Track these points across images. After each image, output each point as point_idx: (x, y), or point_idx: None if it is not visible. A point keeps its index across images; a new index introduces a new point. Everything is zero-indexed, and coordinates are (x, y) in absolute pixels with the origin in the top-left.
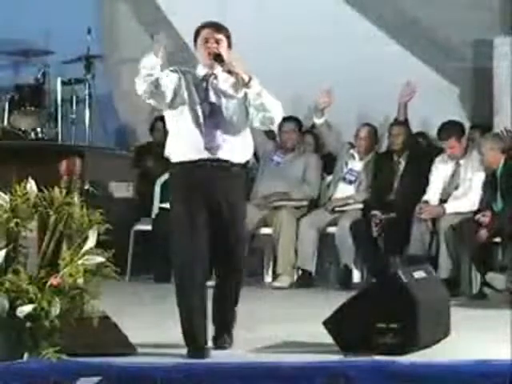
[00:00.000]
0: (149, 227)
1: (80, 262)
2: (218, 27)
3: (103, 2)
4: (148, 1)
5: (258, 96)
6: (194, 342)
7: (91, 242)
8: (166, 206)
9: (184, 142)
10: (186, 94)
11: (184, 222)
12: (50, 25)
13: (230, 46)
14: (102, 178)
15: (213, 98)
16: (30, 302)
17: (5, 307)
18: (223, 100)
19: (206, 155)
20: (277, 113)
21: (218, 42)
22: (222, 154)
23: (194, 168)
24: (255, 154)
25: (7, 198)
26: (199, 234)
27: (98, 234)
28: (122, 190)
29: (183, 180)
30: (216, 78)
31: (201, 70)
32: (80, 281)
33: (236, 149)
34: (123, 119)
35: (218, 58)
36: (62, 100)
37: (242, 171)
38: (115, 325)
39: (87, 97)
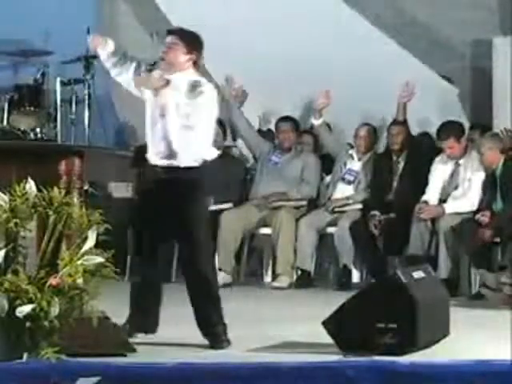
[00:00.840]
0: None
1: (79, 262)
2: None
3: (103, 1)
4: (148, 0)
5: None
6: None
7: (90, 242)
8: None
9: None
10: None
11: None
12: (49, 25)
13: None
14: (102, 178)
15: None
16: (30, 302)
17: (4, 307)
18: None
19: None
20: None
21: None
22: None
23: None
24: (253, 155)
25: (6, 198)
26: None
27: (98, 234)
28: (121, 190)
29: None
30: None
31: None
32: (79, 281)
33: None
34: (123, 119)
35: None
36: (62, 100)
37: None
38: (115, 325)
39: (87, 97)
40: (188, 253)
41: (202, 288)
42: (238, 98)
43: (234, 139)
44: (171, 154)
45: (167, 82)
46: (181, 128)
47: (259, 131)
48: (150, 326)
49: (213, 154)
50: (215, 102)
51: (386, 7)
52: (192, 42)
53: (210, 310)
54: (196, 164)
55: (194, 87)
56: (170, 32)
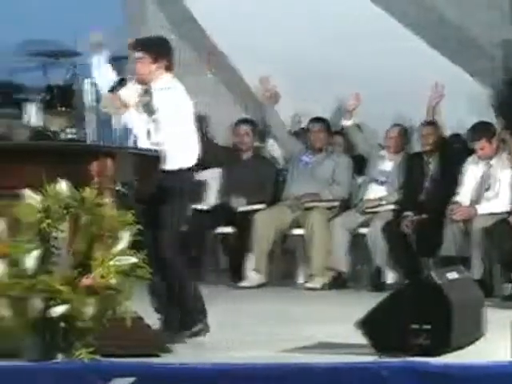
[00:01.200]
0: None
1: (111, 262)
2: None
3: (132, 2)
4: (176, 0)
5: None
6: None
7: (123, 242)
8: (198, 206)
9: None
10: None
11: None
12: (79, 25)
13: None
14: (133, 179)
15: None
16: (64, 302)
17: (39, 308)
18: None
19: None
20: None
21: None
22: None
23: None
24: (285, 156)
25: (39, 198)
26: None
27: (131, 235)
28: None
29: None
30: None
31: None
32: (113, 281)
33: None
34: None
35: None
36: (92, 101)
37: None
38: (148, 325)
39: None
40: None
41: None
42: (272, 98)
43: (263, 140)
44: None
45: (125, 106)
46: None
47: (291, 132)
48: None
49: (189, 162)
50: (183, 107)
51: (412, 5)
52: (157, 49)
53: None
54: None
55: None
56: (134, 46)
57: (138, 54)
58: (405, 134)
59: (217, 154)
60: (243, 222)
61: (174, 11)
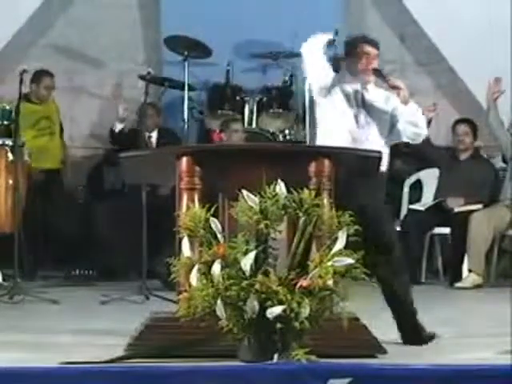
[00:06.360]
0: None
1: (329, 263)
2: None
3: (351, 2)
4: (396, 2)
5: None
6: None
7: (340, 243)
8: (415, 207)
9: None
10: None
11: None
12: (298, 26)
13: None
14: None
15: (368, 107)
16: (280, 303)
17: (255, 308)
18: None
19: None
20: (425, 128)
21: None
22: None
23: None
24: (503, 155)
25: (257, 199)
26: None
27: (347, 236)
28: None
29: None
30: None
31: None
32: (329, 282)
33: None
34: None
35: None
36: (310, 102)
37: None
38: (365, 326)
39: None
40: None
41: None
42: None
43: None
44: None
45: None
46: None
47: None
48: None
49: None
50: None
51: None
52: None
53: None
54: None
55: None
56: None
57: (376, 52)
58: None
59: (435, 153)
60: (460, 223)
61: (393, 13)
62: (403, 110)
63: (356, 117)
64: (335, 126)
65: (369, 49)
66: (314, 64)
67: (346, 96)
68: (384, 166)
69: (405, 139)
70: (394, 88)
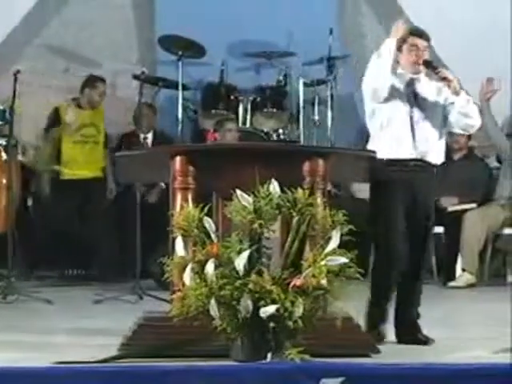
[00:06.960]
0: None
1: (323, 262)
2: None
3: (345, 2)
4: (389, 1)
5: (467, 103)
6: None
7: (334, 242)
8: None
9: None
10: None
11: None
12: (292, 26)
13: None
14: (344, 180)
15: (421, 101)
16: (274, 302)
17: (249, 308)
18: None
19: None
20: (478, 119)
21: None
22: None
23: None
24: (497, 155)
25: (250, 199)
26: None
27: (341, 235)
28: (365, 191)
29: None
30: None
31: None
32: (323, 281)
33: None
34: (364, 120)
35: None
36: (304, 101)
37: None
38: (358, 325)
39: (329, 98)
40: None
41: None
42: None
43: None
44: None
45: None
46: None
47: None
48: None
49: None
50: None
51: None
52: None
53: None
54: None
55: None
56: (425, 36)
57: (425, 44)
58: None
59: None
60: (454, 222)
61: (386, 11)
62: (455, 101)
63: (410, 114)
64: (399, 133)
65: (418, 41)
66: (381, 67)
67: (399, 94)
68: (440, 160)
69: (457, 130)
70: (445, 79)
